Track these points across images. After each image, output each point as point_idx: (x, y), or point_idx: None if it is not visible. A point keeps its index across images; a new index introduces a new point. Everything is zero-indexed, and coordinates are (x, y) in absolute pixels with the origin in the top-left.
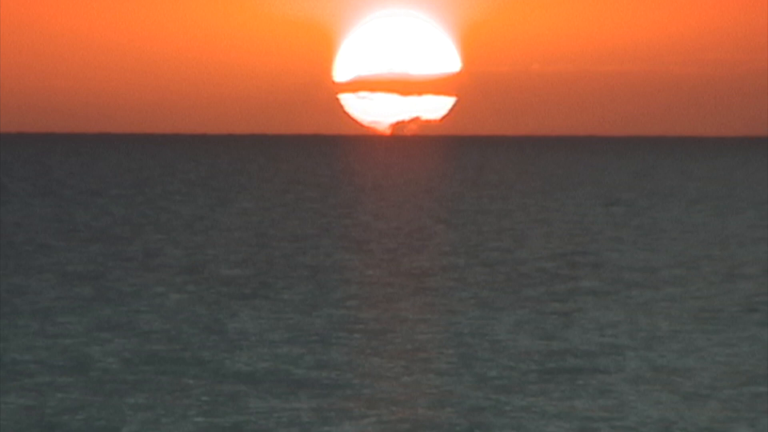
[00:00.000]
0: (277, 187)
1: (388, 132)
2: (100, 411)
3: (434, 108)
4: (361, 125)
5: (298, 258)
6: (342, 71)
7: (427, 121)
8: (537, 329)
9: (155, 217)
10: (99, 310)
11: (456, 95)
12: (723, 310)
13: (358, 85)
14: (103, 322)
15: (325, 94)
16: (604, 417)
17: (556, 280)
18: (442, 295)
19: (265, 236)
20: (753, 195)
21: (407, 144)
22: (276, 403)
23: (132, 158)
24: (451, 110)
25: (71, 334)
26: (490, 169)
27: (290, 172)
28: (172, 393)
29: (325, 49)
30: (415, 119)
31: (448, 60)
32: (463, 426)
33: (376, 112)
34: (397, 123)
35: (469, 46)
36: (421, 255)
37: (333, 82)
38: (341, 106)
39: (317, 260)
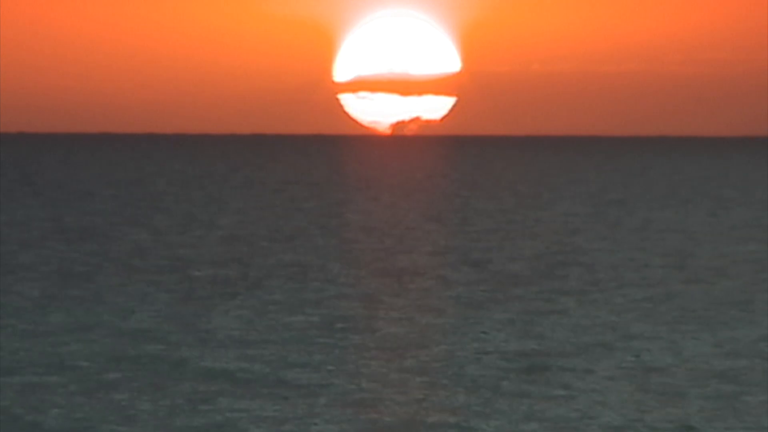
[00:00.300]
0: (270, 187)
1: (388, 132)
2: (83, 410)
3: (434, 108)
4: (361, 125)
5: (287, 257)
6: (342, 71)
7: (428, 121)
8: (521, 329)
9: (148, 216)
10: (84, 309)
11: (456, 95)
12: (707, 309)
13: (358, 85)
14: (89, 321)
15: (325, 94)
16: (581, 416)
17: (543, 280)
18: (427, 295)
19: (256, 235)
20: (748, 195)
21: (407, 144)
22: (260, 402)
23: (129, 158)
24: (451, 110)
25: (55, 332)
26: (487, 169)
27: (285, 171)
28: (156, 392)
29: (325, 49)
30: (416, 119)
31: (448, 60)
32: (446, 425)
33: (376, 112)
34: (398, 123)
35: (469, 46)
36: (409, 255)
37: (333, 82)
38: (341, 106)
39: (306, 259)
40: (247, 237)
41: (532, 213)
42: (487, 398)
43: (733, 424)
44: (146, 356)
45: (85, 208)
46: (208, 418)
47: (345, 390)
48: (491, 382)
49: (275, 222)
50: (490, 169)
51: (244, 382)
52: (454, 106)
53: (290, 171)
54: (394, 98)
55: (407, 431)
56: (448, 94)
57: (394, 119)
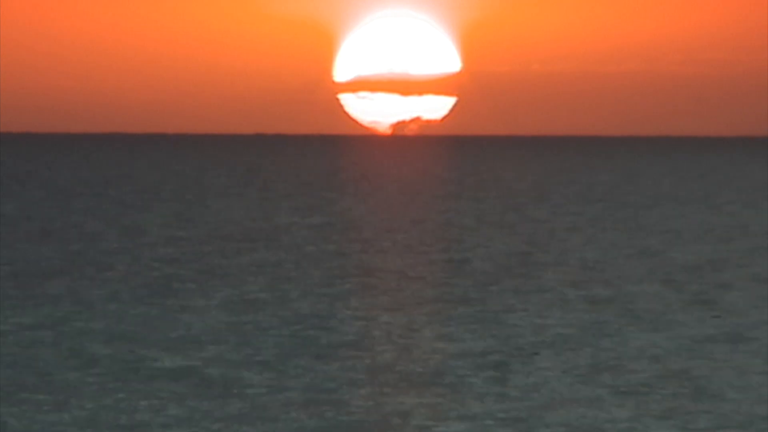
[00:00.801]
0: (260, 186)
1: (388, 132)
2: (41, 411)
3: (435, 108)
4: (361, 125)
5: (264, 256)
6: (342, 71)
7: (428, 121)
8: (490, 327)
9: (135, 215)
10: (45, 310)
11: (456, 95)
12: (679, 308)
13: (358, 85)
14: (49, 322)
15: (325, 94)
16: (530, 416)
17: (518, 279)
18: (394, 293)
19: (238, 234)
20: (741, 194)
21: (407, 144)
22: (224, 401)
23: (126, 158)
24: (452, 110)
25: (13, 332)
26: (484, 169)
27: (277, 171)
28: (120, 392)
29: (325, 49)
30: (416, 119)
31: (448, 60)
32: (412, 426)
33: (376, 112)
34: (398, 123)
35: (469, 46)
36: (385, 254)
37: (333, 82)
38: (341, 106)
39: (283, 258)
40: (229, 236)
41: (519, 213)
42: (454, 398)
43: (676, 422)
44: (112, 356)
45: (74, 207)
46: (167, 418)
47: (291, 391)
48: (458, 382)
49: (259, 221)
50: (486, 169)
51: (208, 381)
52: (454, 106)
53: (282, 170)
54: (394, 98)
55: (372, 431)
56: (448, 94)
57: (394, 119)
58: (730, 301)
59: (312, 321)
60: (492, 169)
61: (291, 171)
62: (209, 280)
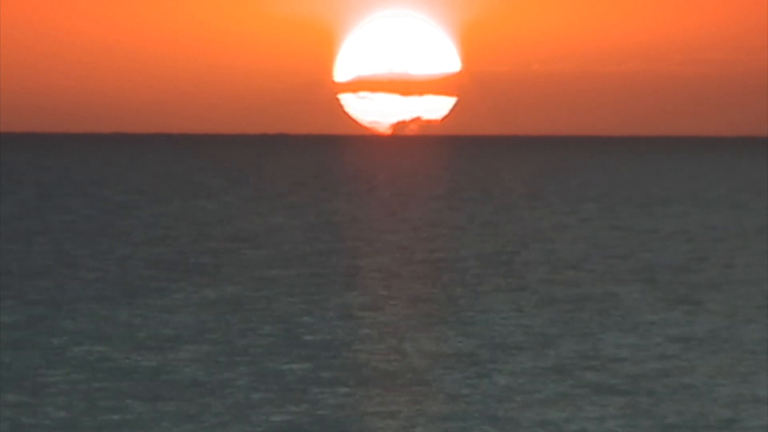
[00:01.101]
0: (254, 186)
1: (388, 132)
2: (26, 412)
3: (435, 108)
4: (361, 125)
5: (249, 255)
6: (342, 71)
7: (428, 121)
8: (468, 326)
9: (127, 215)
10: (36, 309)
11: (456, 95)
12: (655, 309)
13: (358, 85)
14: (39, 321)
15: (325, 94)
16: (518, 415)
17: (504, 278)
18: (383, 293)
19: (225, 234)
20: (735, 195)
21: (406, 144)
22: (197, 403)
23: (125, 158)
24: (452, 110)
25: (2, 330)
26: (480, 169)
27: (271, 170)
28: (100, 392)
29: (325, 49)
30: (416, 119)
31: (448, 60)
32: (375, 426)
33: (376, 112)
34: (398, 123)
35: (469, 46)
36: (375, 254)
37: (333, 82)
38: (341, 106)
39: (269, 256)
40: (220, 236)
41: (512, 213)
42: (442, 397)
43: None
44: (82, 357)
45: (69, 207)
46: (154, 418)
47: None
48: (446, 381)
49: (253, 221)
50: (484, 169)
51: (198, 381)
52: (454, 106)
53: (279, 170)
54: (395, 98)
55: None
56: (448, 94)
57: (394, 119)
58: (717, 300)
59: (300, 320)
60: (489, 169)
61: (287, 171)
62: (199, 279)
